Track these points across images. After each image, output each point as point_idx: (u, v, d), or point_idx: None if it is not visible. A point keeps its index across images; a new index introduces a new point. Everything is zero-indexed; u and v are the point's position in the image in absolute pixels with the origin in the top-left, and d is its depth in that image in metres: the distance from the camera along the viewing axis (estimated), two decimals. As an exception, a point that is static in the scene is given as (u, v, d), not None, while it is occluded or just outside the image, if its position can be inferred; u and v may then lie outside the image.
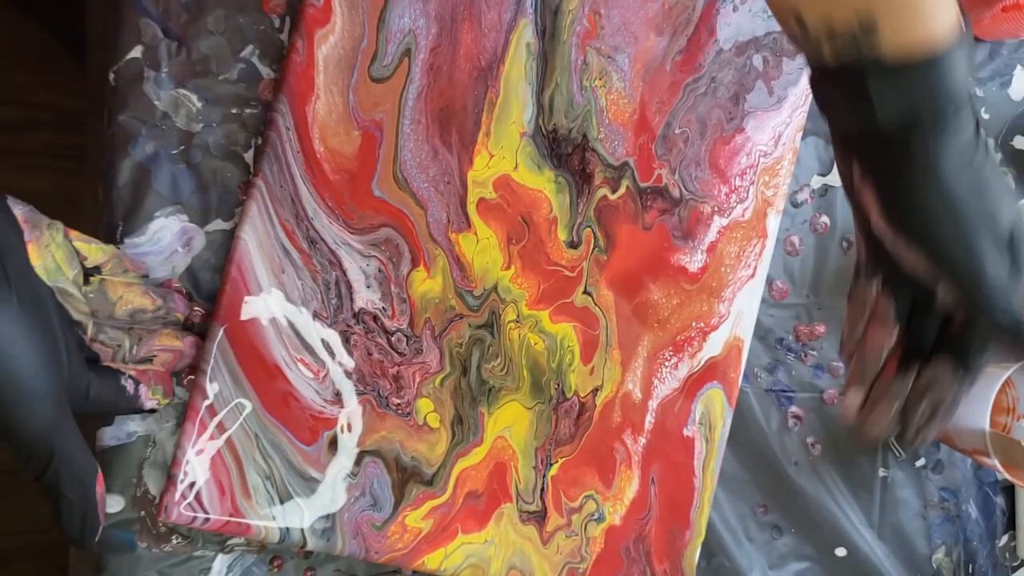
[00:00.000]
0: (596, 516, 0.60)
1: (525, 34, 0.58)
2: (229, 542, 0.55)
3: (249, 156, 0.55)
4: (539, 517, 0.59)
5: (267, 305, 0.53)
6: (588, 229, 0.60)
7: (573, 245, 0.59)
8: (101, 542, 0.53)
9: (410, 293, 0.56)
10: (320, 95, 0.54)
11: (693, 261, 0.62)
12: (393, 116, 0.55)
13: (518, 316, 0.58)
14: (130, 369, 0.48)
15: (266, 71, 0.55)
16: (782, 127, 0.64)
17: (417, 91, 0.56)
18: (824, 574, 0.64)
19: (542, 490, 0.59)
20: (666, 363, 0.61)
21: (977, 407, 0.55)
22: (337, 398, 0.55)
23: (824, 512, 0.64)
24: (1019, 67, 0.67)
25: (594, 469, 0.60)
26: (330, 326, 0.55)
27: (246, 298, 0.53)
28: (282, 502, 0.54)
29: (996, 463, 0.54)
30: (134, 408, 0.48)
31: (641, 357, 0.61)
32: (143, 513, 0.53)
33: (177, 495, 0.52)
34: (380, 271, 0.55)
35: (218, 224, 0.54)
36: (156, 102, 0.53)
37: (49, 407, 0.41)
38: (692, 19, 0.62)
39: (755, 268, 0.63)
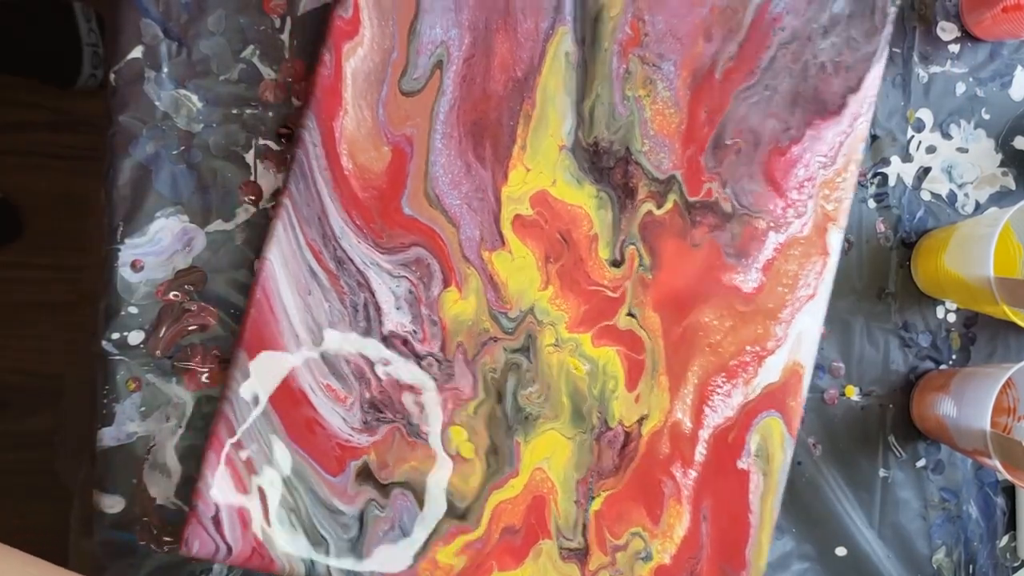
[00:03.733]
0: (643, 555, 0.56)
1: (564, 43, 0.55)
2: None
3: (250, 156, 0.54)
4: (581, 555, 0.55)
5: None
6: (632, 247, 0.56)
7: (616, 264, 0.56)
8: (102, 542, 0.52)
9: (441, 315, 0.53)
10: (348, 110, 0.52)
11: (747, 280, 0.58)
12: (424, 130, 0.53)
13: (557, 339, 0.55)
14: None
15: (266, 71, 0.55)
16: (842, 137, 0.59)
17: (449, 104, 0.53)
18: (824, 574, 0.63)
19: (584, 526, 0.55)
20: (718, 390, 0.57)
21: (978, 407, 0.54)
22: (365, 426, 0.52)
23: (825, 512, 0.62)
24: (1019, 67, 0.65)
25: (640, 504, 0.56)
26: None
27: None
28: (307, 535, 0.51)
29: (996, 463, 0.53)
30: None
31: (691, 384, 0.57)
32: (143, 514, 0.53)
33: (199, 528, 0.50)
34: (410, 292, 0.53)
35: (219, 224, 0.54)
36: (156, 102, 0.53)
37: None
38: (743, 24, 0.58)
39: (816, 288, 0.59)
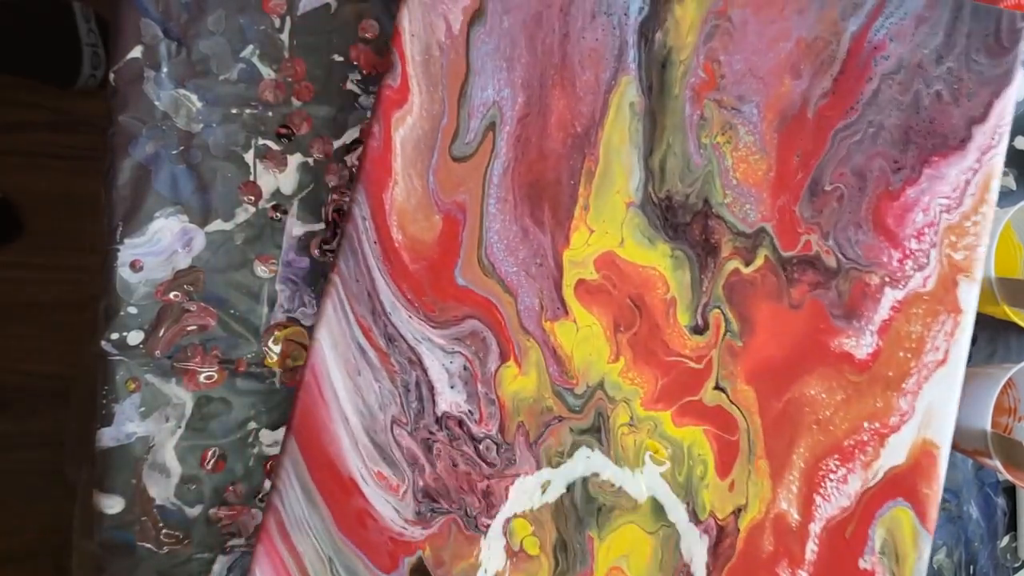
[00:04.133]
0: (749, 672, 0.47)
1: (628, 93, 0.51)
2: (230, 543, 0.53)
3: (249, 156, 0.54)
4: (671, 671, 0.47)
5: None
6: (716, 310, 0.50)
7: (698, 330, 0.50)
8: (102, 543, 0.52)
9: (499, 393, 0.49)
10: (398, 180, 0.50)
11: (860, 345, 0.50)
12: (477, 196, 0.50)
13: (632, 418, 0.49)
14: None
15: (266, 71, 0.55)
16: (969, 174, 0.51)
17: (503, 166, 0.50)
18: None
19: (671, 636, 0.47)
20: (831, 475, 0.49)
21: (978, 408, 0.54)
22: (419, 518, 0.48)
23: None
24: (1019, 68, 0.57)
25: (740, 611, 0.48)
26: (410, 433, 0.48)
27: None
28: (359, 639, 0.47)
29: (997, 464, 0.53)
30: None
31: (797, 468, 0.49)
32: (143, 514, 0.52)
33: (246, 627, 0.47)
34: (465, 368, 0.49)
35: (218, 224, 0.54)
36: (156, 102, 0.53)
37: None
38: (837, 55, 0.51)
39: (946, 352, 0.50)
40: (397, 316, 0.49)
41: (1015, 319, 0.54)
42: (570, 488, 0.48)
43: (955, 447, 0.56)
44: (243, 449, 0.54)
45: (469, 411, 0.49)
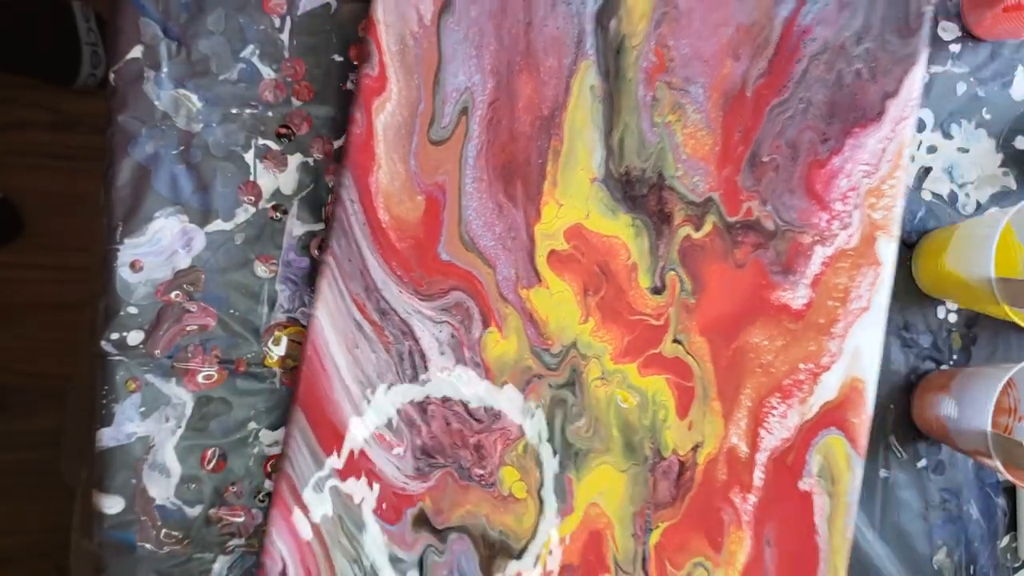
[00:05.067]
0: (709, 584, 0.55)
1: (588, 77, 0.55)
2: (230, 543, 0.54)
3: (249, 156, 0.55)
4: (644, 588, 0.54)
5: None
6: (672, 272, 0.56)
7: (657, 291, 0.56)
8: (101, 543, 0.52)
9: (484, 356, 0.54)
10: (382, 164, 0.54)
11: (796, 297, 0.57)
12: (455, 176, 0.54)
13: (603, 372, 0.55)
14: None
15: (266, 71, 0.55)
16: (885, 143, 0.58)
17: (477, 148, 0.54)
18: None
19: (644, 559, 0.54)
20: (773, 411, 0.56)
21: (978, 408, 0.54)
22: (418, 473, 0.53)
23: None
24: (1020, 67, 0.64)
25: (701, 533, 0.55)
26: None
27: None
28: (370, 582, 0.52)
29: (998, 464, 0.53)
30: None
31: (744, 407, 0.56)
32: (143, 514, 0.53)
33: (265, 579, 0.52)
34: (453, 336, 0.54)
35: (218, 224, 0.54)
36: (156, 102, 0.53)
37: None
38: (771, 39, 0.57)
39: (869, 299, 0.57)
40: (388, 291, 0.53)
41: (1015, 319, 0.54)
42: (551, 439, 0.54)
43: (955, 447, 0.58)
44: (243, 449, 0.54)
45: (459, 375, 0.54)
